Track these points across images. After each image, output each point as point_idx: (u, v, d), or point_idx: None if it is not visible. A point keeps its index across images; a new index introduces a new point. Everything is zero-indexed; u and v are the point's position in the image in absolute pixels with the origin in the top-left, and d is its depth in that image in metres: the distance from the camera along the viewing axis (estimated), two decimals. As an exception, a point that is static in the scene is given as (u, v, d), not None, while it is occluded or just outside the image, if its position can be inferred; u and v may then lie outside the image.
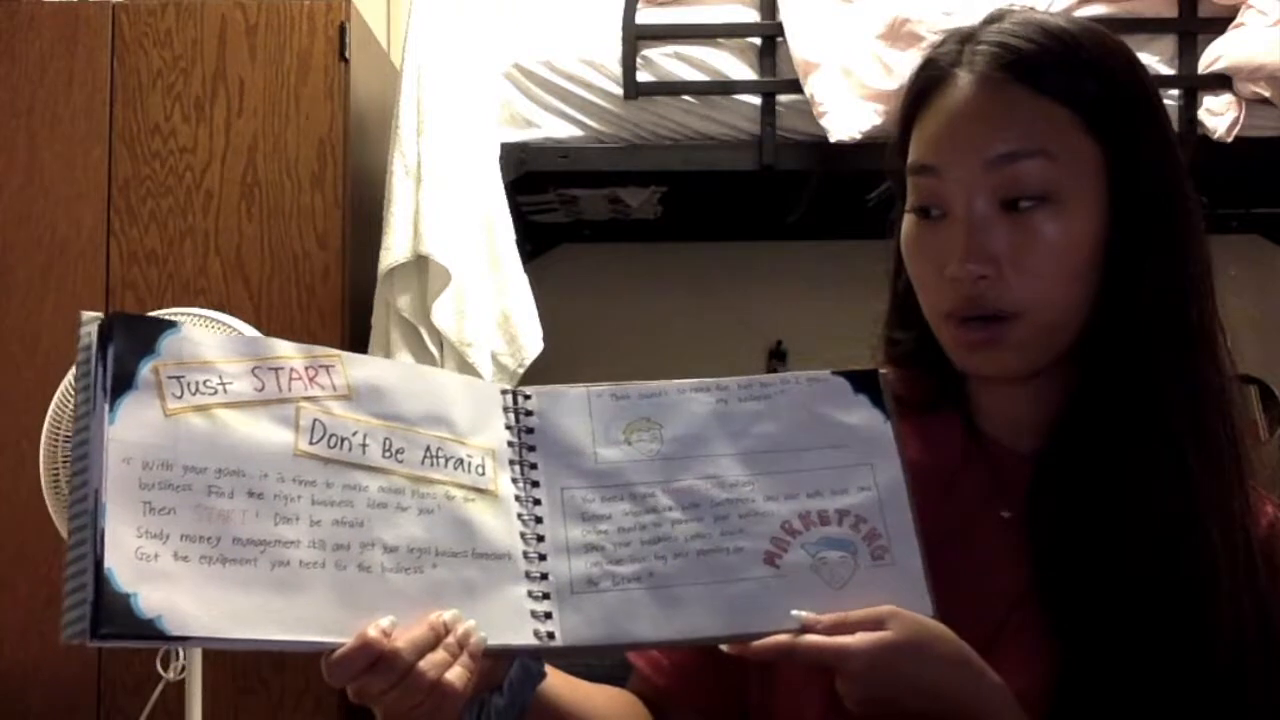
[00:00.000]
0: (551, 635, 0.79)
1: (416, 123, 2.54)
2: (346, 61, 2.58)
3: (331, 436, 0.80)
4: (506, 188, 2.65)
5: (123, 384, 0.74)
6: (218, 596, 0.72)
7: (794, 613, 0.79)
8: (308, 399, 0.80)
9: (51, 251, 2.56)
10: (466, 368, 2.52)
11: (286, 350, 0.82)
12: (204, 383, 0.77)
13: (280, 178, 2.57)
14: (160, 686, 2.22)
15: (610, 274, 3.61)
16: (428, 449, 0.82)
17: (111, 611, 0.68)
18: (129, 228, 2.57)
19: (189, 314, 2.01)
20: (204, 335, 0.80)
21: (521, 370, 2.59)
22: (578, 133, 2.72)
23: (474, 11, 2.66)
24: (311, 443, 0.79)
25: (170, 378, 0.76)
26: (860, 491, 0.84)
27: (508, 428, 0.87)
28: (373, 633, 0.73)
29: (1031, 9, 0.93)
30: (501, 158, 2.65)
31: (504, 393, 0.88)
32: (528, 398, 0.88)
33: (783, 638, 0.78)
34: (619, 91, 2.67)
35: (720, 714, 0.97)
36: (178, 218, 2.57)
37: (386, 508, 0.79)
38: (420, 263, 2.52)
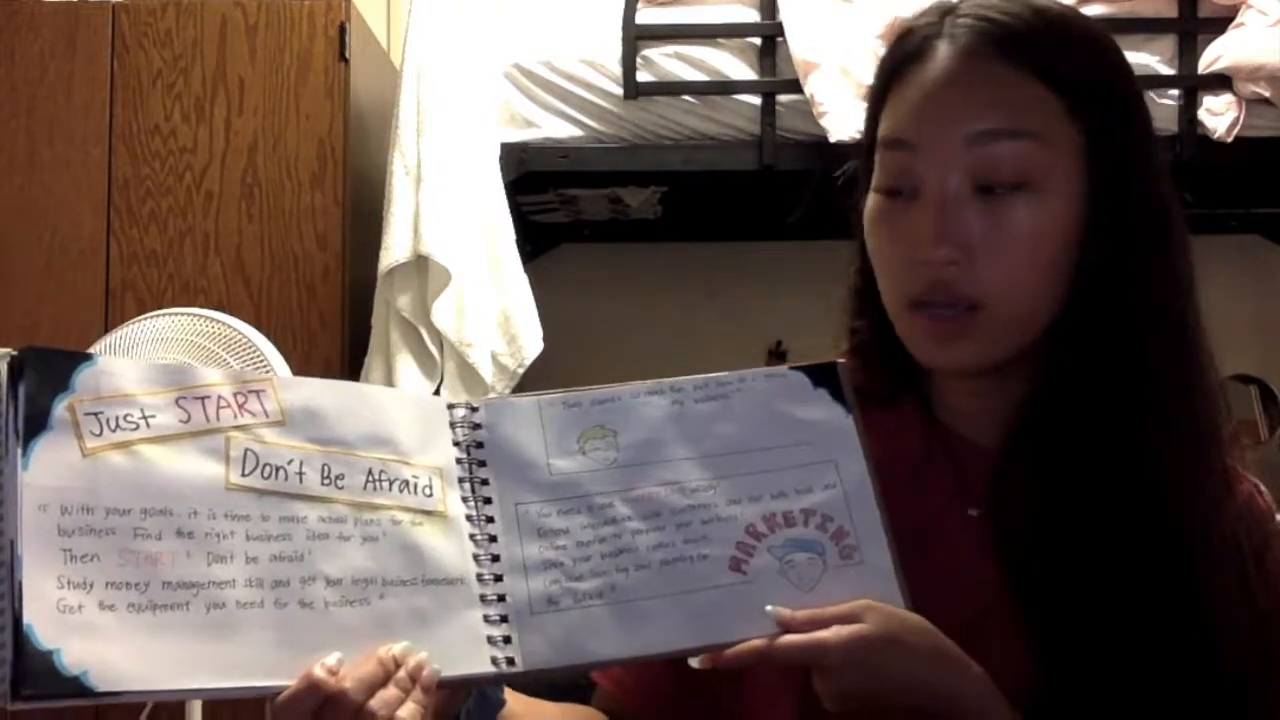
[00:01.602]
0: (511, 660, 0.76)
1: (416, 123, 2.54)
2: (346, 61, 2.58)
3: (265, 466, 0.76)
4: (506, 188, 2.65)
5: (36, 425, 0.70)
6: (148, 646, 0.68)
7: (768, 608, 0.76)
8: (238, 428, 0.76)
9: (51, 251, 2.56)
10: (466, 368, 2.52)
11: (213, 377, 0.78)
12: (124, 417, 0.73)
13: (280, 178, 2.57)
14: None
15: (610, 274, 3.61)
16: (370, 472, 0.78)
17: (31, 670, 0.64)
18: (129, 228, 2.57)
19: (189, 314, 2.01)
20: (123, 366, 0.75)
21: (521, 370, 2.59)
22: (578, 133, 2.71)
23: (474, 11, 2.66)
24: (244, 474, 0.75)
25: (88, 414, 0.71)
26: (825, 489, 0.82)
27: (455, 444, 0.83)
28: (319, 672, 0.69)
29: None
30: (501, 158, 2.65)
31: (450, 407, 0.84)
32: (475, 410, 0.84)
33: (757, 642, 0.75)
34: (619, 91, 2.67)
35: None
36: (178, 218, 2.57)
37: (328, 538, 0.75)
38: (420, 263, 2.52)
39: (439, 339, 2.53)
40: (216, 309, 2.15)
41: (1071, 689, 0.80)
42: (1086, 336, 0.83)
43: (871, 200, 0.87)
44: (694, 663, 0.78)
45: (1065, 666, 0.80)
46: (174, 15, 2.59)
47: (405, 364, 2.52)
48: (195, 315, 2.00)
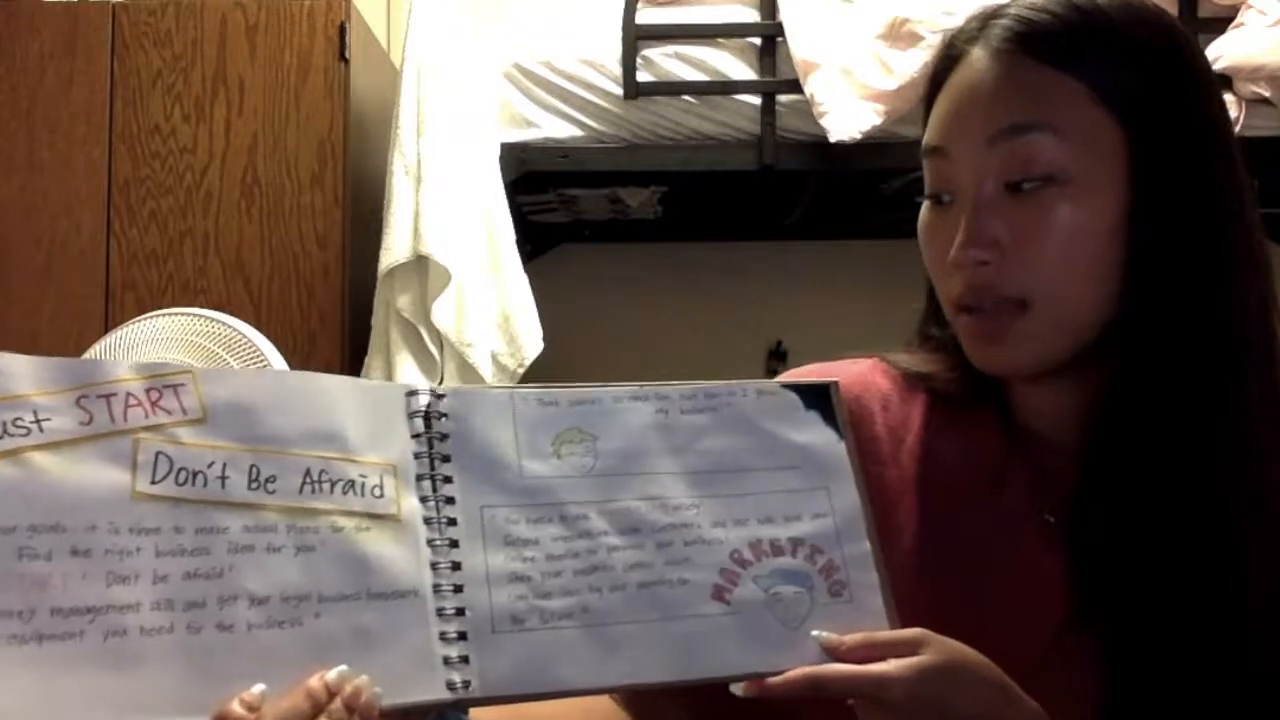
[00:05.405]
0: (468, 684, 0.68)
1: (416, 123, 2.54)
2: (346, 61, 2.58)
3: (180, 471, 0.67)
4: (506, 188, 2.65)
5: None
6: (33, 683, 0.59)
7: (814, 633, 0.72)
8: (149, 428, 0.67)
9: (51, 251, 2.56)
10: (467, 368, 2.52)
11: (121, 372, 0.69)
12: (14, 422, 0.64)
13: (280, 178, 2.57)
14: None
15: (610, 274, 3.61)
16: (307, 473, 0.70)
17: None
18: (129, 228, 2.57)
19: (189, 314, 2.01)
20: (16, 364, 0.66)
21: (522, 370, 2.59)
22: (578, 133, 2.72)
23: (474, 11, 2.66)
24: (154, 481, 0.66)
25: None
26: (815, 519, 0.77)
27: (415, 436, 0.73)
28: (235, 708, 0.61)
29: None
30: (501, 158, 2.65)
31: (411, 394, 0.75)
32: (440, 398, 0.75)
33: (808, 669, 0.70)
34: (619, 91, 2.67)
35: (713, 715, 0.92)
36: (178, 218, 2.57)
37: (253, 550, 0.67)
38: (420, 263, 2.52)
39: (439, 339, 2.53)
40: (216, 309, 2.15)
41: (1142, 702, 0.77)
42: (1146, 337, 0.79)
43: (923, 208, 0.85)
44: (736, 689, 0.72)
45: (1135, 676, 0.77)
46: (174, 15, 2.59)
47: (405, 364, 2.52)
48: (195, 315, 2.00)
